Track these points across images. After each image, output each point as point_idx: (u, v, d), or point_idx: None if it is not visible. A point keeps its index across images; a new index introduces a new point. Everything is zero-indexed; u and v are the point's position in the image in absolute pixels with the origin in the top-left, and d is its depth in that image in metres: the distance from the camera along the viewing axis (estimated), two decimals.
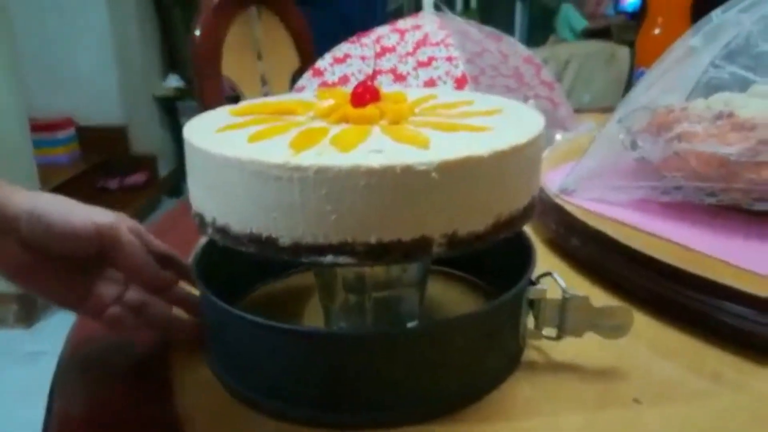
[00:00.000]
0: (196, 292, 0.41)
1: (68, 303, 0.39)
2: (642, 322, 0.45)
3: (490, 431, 0.34)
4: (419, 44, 0.80)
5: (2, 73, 1.90)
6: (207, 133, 0.36)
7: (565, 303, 0.39)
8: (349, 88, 0.41)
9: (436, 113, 0.40)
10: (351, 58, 0.83)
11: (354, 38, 0.83)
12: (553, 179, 0.63)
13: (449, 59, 0.77)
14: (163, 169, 3.19)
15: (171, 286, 0.41)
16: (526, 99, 0.91)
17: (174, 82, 3.17)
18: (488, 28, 0.90)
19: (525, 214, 0.36)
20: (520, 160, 0.33)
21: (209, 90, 0.91)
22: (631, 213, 0.56)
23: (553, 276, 0.40)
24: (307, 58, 1.03)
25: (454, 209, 0.31)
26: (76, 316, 0.49)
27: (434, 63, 0.78)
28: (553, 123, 0.90)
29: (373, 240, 0.31)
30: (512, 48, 0.94)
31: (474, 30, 0.87)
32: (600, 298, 0.48)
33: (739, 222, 0.52)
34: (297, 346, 0.34)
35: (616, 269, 0.50)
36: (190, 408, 0.37)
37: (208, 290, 0.37)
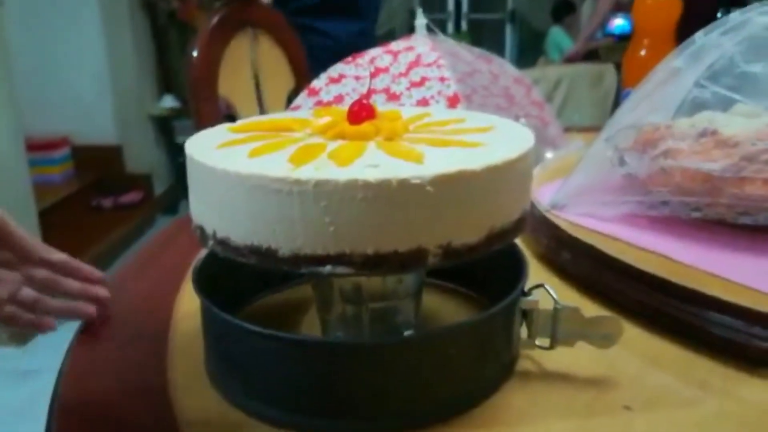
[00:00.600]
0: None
1: None
2: (633, 333, 0.46)
3: None
4: (412, 65, 0.82)
5: None
6: (208, 148, 0.37)
7: (556, 313, 0.40)
8: (344, 107, 0.42)
9: (430, 130, 0.42)
10: (346, 78, 0.84)
11: (349, 59, 0.85)
12: (543, 195, 0.65)
13: (441, 80, 0.79)
14: (159, 188, 3.20)
15: (66, 264, 0.47)
16: (516, 118, 0.92)
17: (169, 102, 3.19)
18: (478, 50, 0.92)
19: (517, 227, 0.37)
20: (511, 174, 0.35)
21: (205, 110, 0.92)
22: (619, 227, 0.57)
23: (545, 287, 0.42)
24: (303, 79, 1.05)
25: (448, 221, 0.33)
26: (73, 334, 0.50)
27: (427, 83, 0.80)
28: (544, 141, 0.92)
29: (370, 251, 0.32)
30: (502, 69, 0.96)
31: (465, 52, 0.89)
32: (591, 309, 0.49)
33: (725, 235, 0.54)
34: (294, 355, 0.35)
35: (606, 282, 0.52)
36: (188, 416, 0.37)
37: (208, 300, 0.38)
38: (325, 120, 0.41)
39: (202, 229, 0.36)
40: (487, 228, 0.34)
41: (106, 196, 2.95)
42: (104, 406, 0.41)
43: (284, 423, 0.36)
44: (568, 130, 1.03)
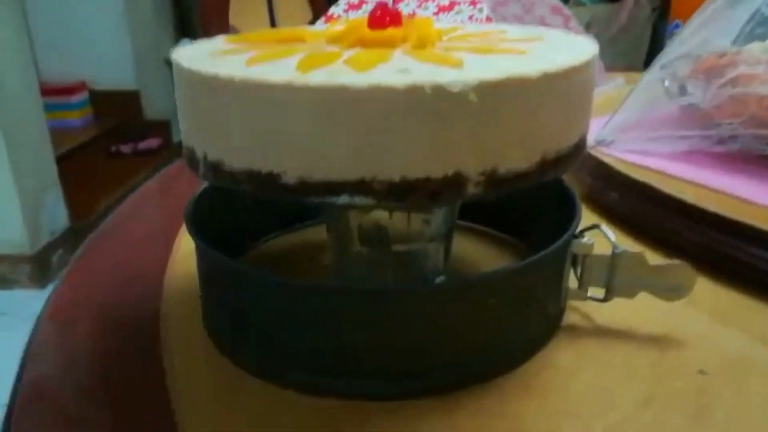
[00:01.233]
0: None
1: None
2: (697, 284, 0.40)
3: (528, 406, 0.30)
4: None
5: (10, 37, 1.85)
6: (199, 56, 0.31)
7: (615, 259, 0.34)
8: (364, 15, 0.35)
9: (468, 40, 0.35)
10: (366, 3, 0.77)
11: None
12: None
13: (473, 3, 0.71)
14: (177, 134, 3.13)
15: None
16: None
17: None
18: None
19: (574, 155, 0.31)
20: (572, 85, 0.28)
21: None
22: (677, 164, 0.50)
23: (601, 229, 0.35)
24: (320, 8, 0.97)
25: (494, 141, 0.26)
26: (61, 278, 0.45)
27: (456, 7, 0.72)
28: None
29: (395, 177, 0.25)
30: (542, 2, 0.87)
31: None
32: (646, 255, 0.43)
33: None
34: (303, 303, 0.29)
35: (662, 224, 0.45)
36: (182, 370, 0.32)
37: (200, 239, 0.33)
38: (341, 27, 0.34)
39: (191, 152, 0.30)
40: (541, 152, 0.28)
41: (125, 142, 2.91)
42: (88, 352, 0.36)
43: (291, 382, 0.30)
44: (608, 69, 0.94)
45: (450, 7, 0.71)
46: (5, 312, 1.75)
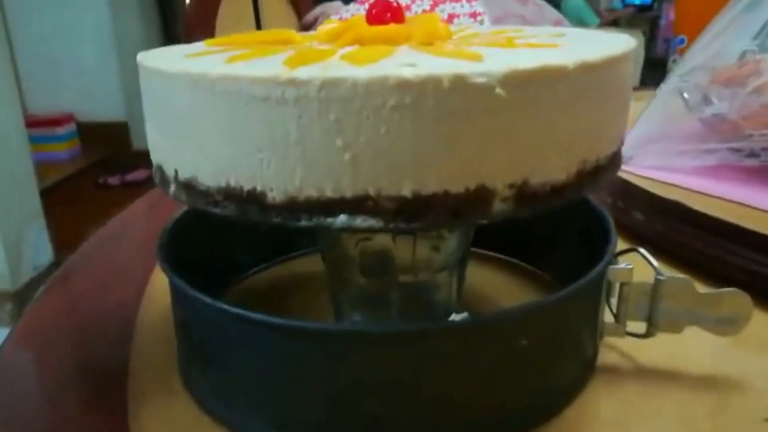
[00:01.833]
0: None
1: None
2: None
3: None
4: (438, 1, 0.70)
5: None
6: (171, 58, 0.26)
7: (658, 288, 0.29)
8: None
9: (483, 37, 0.30)
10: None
11: None
12: None
13: (473, 15, 0.67)
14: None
15: None
16: None
17: None
18: None
19: (612, 165, 0.26)
20: (613, 80, 0.23)
21: None
22: (705, 180, 0.45)
23: (641, 252, 0.30)
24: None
25: (526, 145, 0.21)
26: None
27: (456, 21, 0.68)
28: None
29: (406, 191, 0.21)
30: (540, 12, 0.83)
31: None
32: None
33: None
34: (299, 349, 0.24)
35: (696, 246, 0.40)
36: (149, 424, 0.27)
37: (177, 276, 0.28)
38: (336, 22, 0.30)
39: (161, 170, 0.25)
40: (579, 159, 0.23)
41: (112, 174, 2.87)
42: (45, 398, 0.31)
43: None
44: None
45: (449, 20, 0.67)
46: None
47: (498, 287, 0.37)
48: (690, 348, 0.31)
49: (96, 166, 2.86)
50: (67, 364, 0.34)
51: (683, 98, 0.52)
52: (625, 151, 0.52)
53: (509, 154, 0.21)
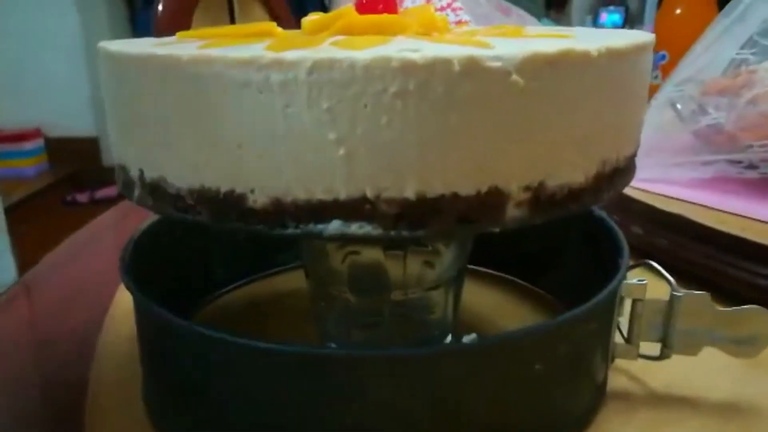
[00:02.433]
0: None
1: None
2: None
3: None
4: None
5: None
6: (137, 45, 0.23)
7: (673, 305, 0.27)
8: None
9: (484, 32, 0.28)
10: None
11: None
12: None
13: (458, 24, 0.65)
14: None
15: None
16: None
17: None
18: None
19: (629, 169, 0.24)
20: (637, 71, 0.21)
21: None
22: (706, 193, 0.43)
23: (652, 264, 0.28)
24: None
25: (544, 142, 0.19)
26: None
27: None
28: None
29: (409, 193, 0.18)
30: (521, 23, 0.82)
31: None
32: None
33: None
34: (274, 374, 0.21)
35: (701, 261, 0.38)
36: None
37: (142, 293, 0.24)
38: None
39: (124, 171, 0.22)
40: (599, 159, 0.21)
41: (81, 191, 2.79)
42: None
43: None
44: None
45: None
46: None
47: (494, 306, 0.34)
48: (704, 370, 0.28)
49: (64, 183, 2.79)
50: (23, 386, 0.30)
51: (675, 109, 0.51)
52: None
53: (526, 151, 0.18)
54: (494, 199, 0.19)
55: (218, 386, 0.23)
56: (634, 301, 0.27)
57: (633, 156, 0.24)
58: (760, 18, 0.54)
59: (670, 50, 0.85)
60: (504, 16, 0.78)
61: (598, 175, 0.21)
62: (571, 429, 0.25)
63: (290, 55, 0.17)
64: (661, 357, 0.28)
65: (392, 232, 0.18)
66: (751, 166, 0.43)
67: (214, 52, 0.18)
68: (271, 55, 0.17)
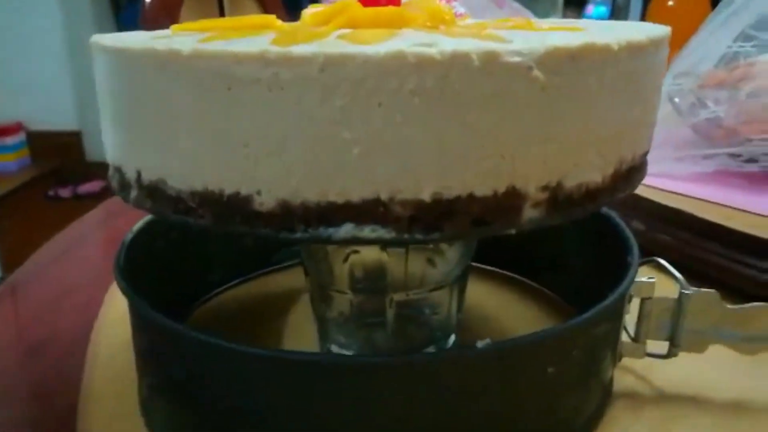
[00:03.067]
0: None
1: None
2: None
3: None
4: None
5: None
6: (133, 38, 0.22)
7: (682, 303, 0.26)
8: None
9: (492, 23, 0.27)
10: None
11: None
12: None
13: (461, 17, 0.64)
14: None
15: None
16: None
17: None
18: None
19: (642, 168, 0.23)
20: (656, 65, 0.20)
21: None
22: (707, 187, 0.43)
23: (659, 261, 0.28)
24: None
25: (564, 140, 0.18)
26: None
27: None
28: None
29: (425, 194, 0.17)
30: (515, 15, 0.81)
31: None
32: None
33: None
34: (275, 381, 0.20)
35: (704, 257, 0.38)
36: None
37: (138, 296, 0.23)
38: (322, 7, 0.26)
39: (119, 173, 0.21)
40: (617, 158, 0.20)
41: (64, 186, 2.75)
42: None
43: None
44: None
45: None
46: None
47: (497, 304, 0.34)
48: (709, 367, 0.28)
49: (46, 178, 2.74)
50: (10, 393, 0.29)
51: (674, 103, 0.50)
52: None
53: (545, 150, 0.18)
54: (511, 200, 0.18)
55: (218, 393, 0.22)
56: (643, 300, 0.27)
57: (647, 153, 0.23)
58: (755, 11, 0.54)
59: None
60: (498, 8, 0.77)
61: (615, 174, 0.20)
62: (582, 429, 0.24)
63: (300, 50, 0.16)
64: (669, 355, 0.27)
65: (405, 235, 0.17)
66: (752, 160, 0.43)
67: (218, 46, 0.17)
68: (279, 50, 0.16)
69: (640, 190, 0.43)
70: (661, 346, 0.27)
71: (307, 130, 0.17)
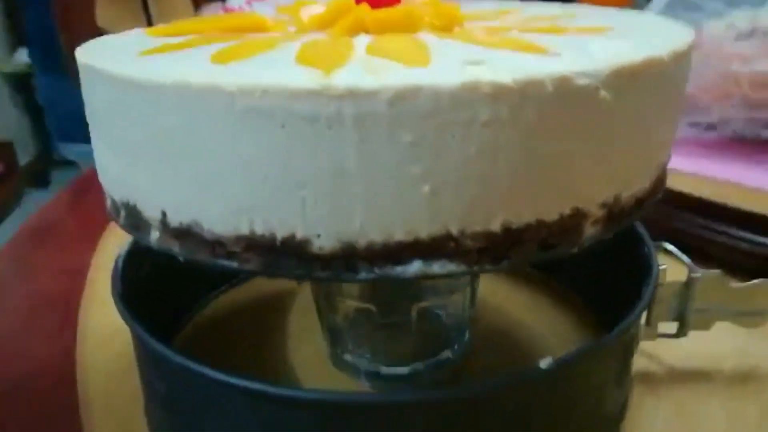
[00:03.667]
0: None
1: None
2: None
3: None
4: None
5: None
6: (124, 57, 0.20)
7: (691, 285, 0.27)
8: None
9: (500, 19, 0.26)
10: None
11: None
12: None
13: None
14: (23, 158, 2.79)
15: None
16: None
17: (24, 56, 2.75)
18: None
19: (666, 166, 0.23)
20: (687, 71, 0.20)
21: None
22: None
23: (669, 249, 0.28)
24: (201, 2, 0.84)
25: (624, 157, 0.18)
26: None
27: None
28: None
29: (495, 226, 0.16)
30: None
31: None
32: None
33: None
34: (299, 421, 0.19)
35: (679, 227, 0.39)
36: None
37: (137, 323, 0.21)
38: (317, 10, 0.24)
39: (133, 211, 0.19)
40: (660, 164, 0.20)
41: None
42: None
43: None
44: None
45: None
46: None
47: (505, 296, 0.34)
48: (711, 341, 0.29)
49: None
50: None
51: None
52: None
53: (607, 168, 0.17)
54: (575, 220, 0.17)
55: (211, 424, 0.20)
56: (655, 286, 0.27)
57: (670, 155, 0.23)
58: None
59: None
60: None
61: (657, 178, 0.20)
62: (617, 419, 0.25)
63: (366, 83, 0.15)
64: (679, 335, 0.28)
65: (475, 267, 0.17)
66: (710, 128, 0.44)
67: (269, 78, 0.15)
68: (343, 84, 0.15)
69: None
70: (670, 327, 0.28)
71: (373, 168, 0.15)
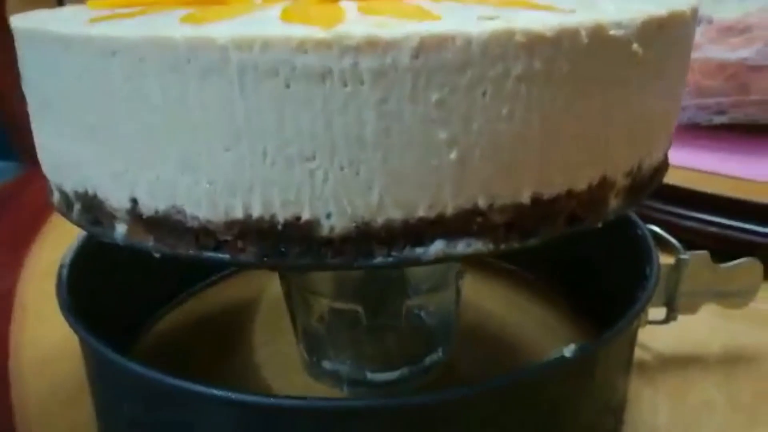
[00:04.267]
0: None
1: None
2: None
3: None
4: None
5: None
6: (74, 24, 0.17)
7: (680, 268, 0.26)
8: None
9: None
10: None
11: None
12: None
13: None
14: None
15: None
16: None
17: None
18: None
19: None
20: (694, 32, 0.19)
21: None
22: (676, 153, 0.44)
23: (656, 230, 0.27)
24: None
25: (649, 119, 0.16)
26: None
27: None
28: None
29: (525, 197, 0.15)
30: None
31: None
32: None
33: (755, 141, 0.44)
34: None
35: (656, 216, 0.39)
36: None
37: (84, 329, 0.18)
38: None
39: (93, 201, 0.16)
40: (670, 132, 0.19)
41: None
42: None
43: None
44: None
45: None
46: None
47: (487, 295, 0.32)
48: (696, 326, 0.28)
49: None
50: None
51: None
52: None
53: (634, 131, 0.16)
54: (602, 190, 0.16)
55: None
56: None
57: None
58: None
59: None
60: None
61: (668, 146, 0.19)
62: (619, 409, 0.23)
63: (388, 32, 0.13)
64: (668, 320, 0.27)
65: (502, 246, 0.15)
66: (720, 112, 0.44)
67: (245, 25, 0.13)
68: (361, 32, 0.12)
69: None
70: (659, 312, 0.27)
71: (394, 133, 0.13)
